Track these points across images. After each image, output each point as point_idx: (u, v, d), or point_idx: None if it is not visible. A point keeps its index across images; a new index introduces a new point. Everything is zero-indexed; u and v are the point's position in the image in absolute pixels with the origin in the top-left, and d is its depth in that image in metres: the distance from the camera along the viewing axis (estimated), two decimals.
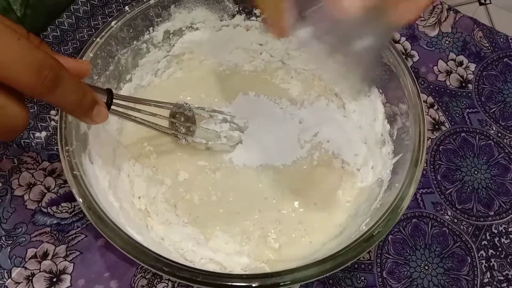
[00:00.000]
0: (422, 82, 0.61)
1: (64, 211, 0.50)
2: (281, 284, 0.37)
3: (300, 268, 0.38)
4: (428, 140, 0.56)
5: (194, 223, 0.49)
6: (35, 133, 0.53)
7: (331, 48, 0.39)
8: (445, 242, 0.52)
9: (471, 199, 0.55)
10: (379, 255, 0.51)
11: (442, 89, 0.61)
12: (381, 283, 0.49)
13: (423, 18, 0.65)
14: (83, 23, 0.61)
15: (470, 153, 0.57)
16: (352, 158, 0.53)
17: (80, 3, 0.61)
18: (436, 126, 0.59)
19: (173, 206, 0.49)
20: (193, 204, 0.50)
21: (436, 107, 0.60)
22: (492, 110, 0.60)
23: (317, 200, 0.50)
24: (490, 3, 0.72)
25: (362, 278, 0.49)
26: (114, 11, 0.62)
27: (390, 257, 0.51)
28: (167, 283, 0.47)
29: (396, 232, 0.52)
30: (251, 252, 0.47)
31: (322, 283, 0.49)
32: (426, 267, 0.51)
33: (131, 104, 0.43)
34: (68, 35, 0.60)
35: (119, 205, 0.45)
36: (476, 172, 0.56)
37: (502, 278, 0.51)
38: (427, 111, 0.59)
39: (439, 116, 0.59)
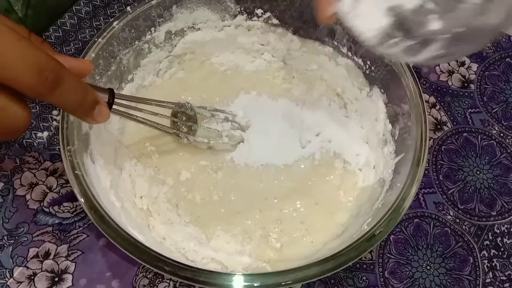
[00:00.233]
0: (424, 82, 0.61)
1: (66, 210, 0.50)
2: (282, 283, 0.37)
3: (302, 267, 0.37)
4: (430, 140, 0.56)
5: (196, 222, 0.49)
6: (37, 133, 0.54)
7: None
8: (447, 242, 0.52)
9: (473, 199, 0.55)
10: (381, 255, 0.51)
11: (444, 89, 0.61)
12: (383, 283, 0.49)
13: None
14: (85, 23, 0.61)
15: (472, 153, 0.57)
16: (353, 158, 0.53)
17: (82, 3, 0.61)
18: (438, 126, 0.59)
19: (174, 205, 0.50)
20: (194, 204, 0.50)
21: (438, 107, 0.60)
22: (494, 110, 0.60)
23: (318, 200, 0.50)
24: None
25: (364, 278, 0.49)
26: (116, 11, 0.62)
27: (392, 257, 0.51)
28: (169, 283, 0.47)
29: (398, 232, 0.52)
30: (253, 252, 0.47)
31: (324, 283, 0.49)
32: (428, 267, 0.50)
33: (132, 104, 0.43)
34: (70, 36, 0.60)
35: (120, 204, 0.45)
36: (478, 172, 0.56)
37: (504, 278, 0.51)
38: (429, 111, 0.59)
39: (441, 116, 0.59)
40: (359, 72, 0.54)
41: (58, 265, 0.47)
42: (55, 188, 0.51)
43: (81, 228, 0.49)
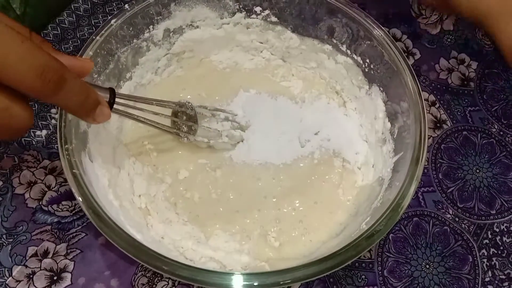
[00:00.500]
0: (424, 80, 0.61)
1: (65, 209, 0.50)
2: (281, 283, 0.37)
3: (301, 266, 0.37)
4: (429, 138, 0.56)
5: (194, 221, 0.48)
6: (35, 132, 0.53)
7: None
8: (447, 240, 0.52)
9: (473, 197, 0.54)
10: (380, 253, 0.50)
11: (444, 87, 0.61)
12: (382, 282, 0.49)
13: (424, 16, 0.65)
14: (83, 21, 0.61)
15: (472, 151, 0.57)
16: (352, 157, 0.52)
17: (80, 1, 0.61)
18: (438, 125, 0.58)
19: (173, 204, 0.49)
20: (193, 203, 0.50)
21: (437, 105, 0.60)
22: (494, 108, 0.60)
23: (317, 199, 0.50)
24: None
25: (363, 276, 0.49)
26: (115, 9, 0.62)
27: (391, 255, 0.51)
28: (168, 282, 0.47)
29: (397, 230, 0.52)
30: (251, 251, 0.47)
31: (323, 281, 0.49)
32: (427, 266, 0.50)
33: (133, 103, 0.43)
34: (69, 34, 0.60)
35: (119, 203, 0.45)
36: (477, 171, 0.56)
37: (503, 277, 0.51)
38: (428, 109, 0.59)
39: (440, 114, 0.59)
40: (358, 70, 0.54)
41: (57, 264, 0.47)
42: (54, 187, 0.51)
43: (80, 227, 0.49)
